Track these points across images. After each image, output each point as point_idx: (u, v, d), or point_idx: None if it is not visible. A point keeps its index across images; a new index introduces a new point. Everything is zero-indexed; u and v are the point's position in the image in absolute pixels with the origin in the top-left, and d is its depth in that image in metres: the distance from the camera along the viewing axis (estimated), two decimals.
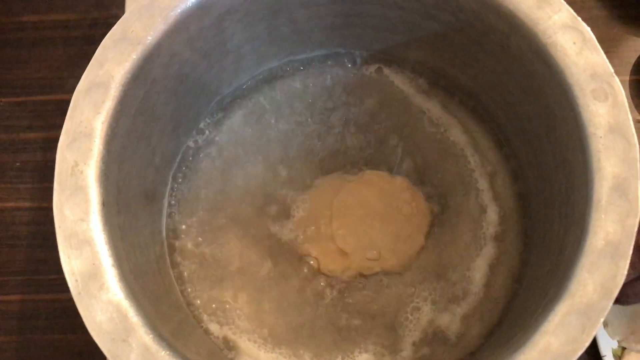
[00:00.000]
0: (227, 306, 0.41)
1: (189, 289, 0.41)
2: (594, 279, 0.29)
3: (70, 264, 0.30)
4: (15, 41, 0.52)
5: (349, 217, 0.42)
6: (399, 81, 0.45)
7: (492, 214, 0.42)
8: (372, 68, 0.45)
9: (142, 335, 0.30)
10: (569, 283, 0.29)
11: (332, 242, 0.42)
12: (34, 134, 0.50)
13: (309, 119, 0.45)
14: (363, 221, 0.42)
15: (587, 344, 0.28)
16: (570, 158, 0.33)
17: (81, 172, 0.31)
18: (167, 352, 0.30)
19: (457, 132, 0.44)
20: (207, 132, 0.44)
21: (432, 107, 0.44)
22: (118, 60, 0.33)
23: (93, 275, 0.30)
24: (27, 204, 0.48)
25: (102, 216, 0.31)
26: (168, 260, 0.41)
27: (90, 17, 0.52)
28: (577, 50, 0.32)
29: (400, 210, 0.42)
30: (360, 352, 0.40)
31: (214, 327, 0.40)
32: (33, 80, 0.51)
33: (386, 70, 0.45)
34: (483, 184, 0.43)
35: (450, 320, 0.40)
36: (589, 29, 0.32)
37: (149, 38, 0.33)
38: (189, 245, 0.42)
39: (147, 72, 0.34)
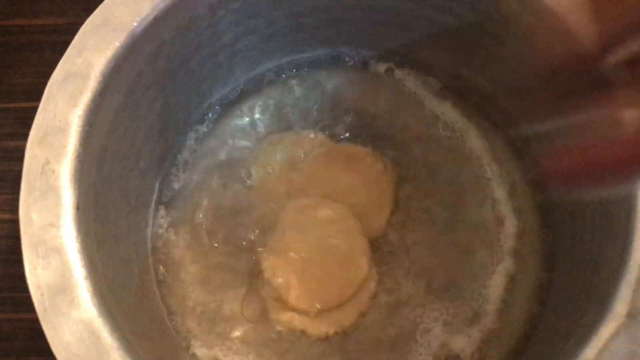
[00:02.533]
0: (218, 327, 0.38)
1: (176, 308, 0.38)
2: None
3: (36, 275, 0.27)
4: (0, 45, 0.49)
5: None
6: (411, 83, 0.42)
7: (510, 227, 0.39)
8: (382, 68, 0.42)
9: (118, 359, 0.26)
10: (612, 303, 0.26)
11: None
12: (16, 142, 0.47)
13: (310, 124, 0.42)
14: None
15: None
16: None
17: (53, 171, 0.28)
18: None
19: (474, 138, 0.41)
20: (199, 135, 0.41)
21: (447, 111, 0.42)
22: (99, 48, 0.30)
23: (62, 288, 0.27)
24: (6, 216, 0.45)
25: (75, 221, 0.28)
26: (153, 275, 0.38)
27: (80, 22, 0.49)
28: None
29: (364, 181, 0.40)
30: None
31: (202, 352, 0.37)
32: (18, 86, 0.48)
33: (397, 72, 0.42)
34: (500, 194, 0.40)
35: (465, 344, 0.37)
36: None
37: (135, 25, 0.30)
38: (177, 258, 0.39)
39: (131, 63, 0.31)
